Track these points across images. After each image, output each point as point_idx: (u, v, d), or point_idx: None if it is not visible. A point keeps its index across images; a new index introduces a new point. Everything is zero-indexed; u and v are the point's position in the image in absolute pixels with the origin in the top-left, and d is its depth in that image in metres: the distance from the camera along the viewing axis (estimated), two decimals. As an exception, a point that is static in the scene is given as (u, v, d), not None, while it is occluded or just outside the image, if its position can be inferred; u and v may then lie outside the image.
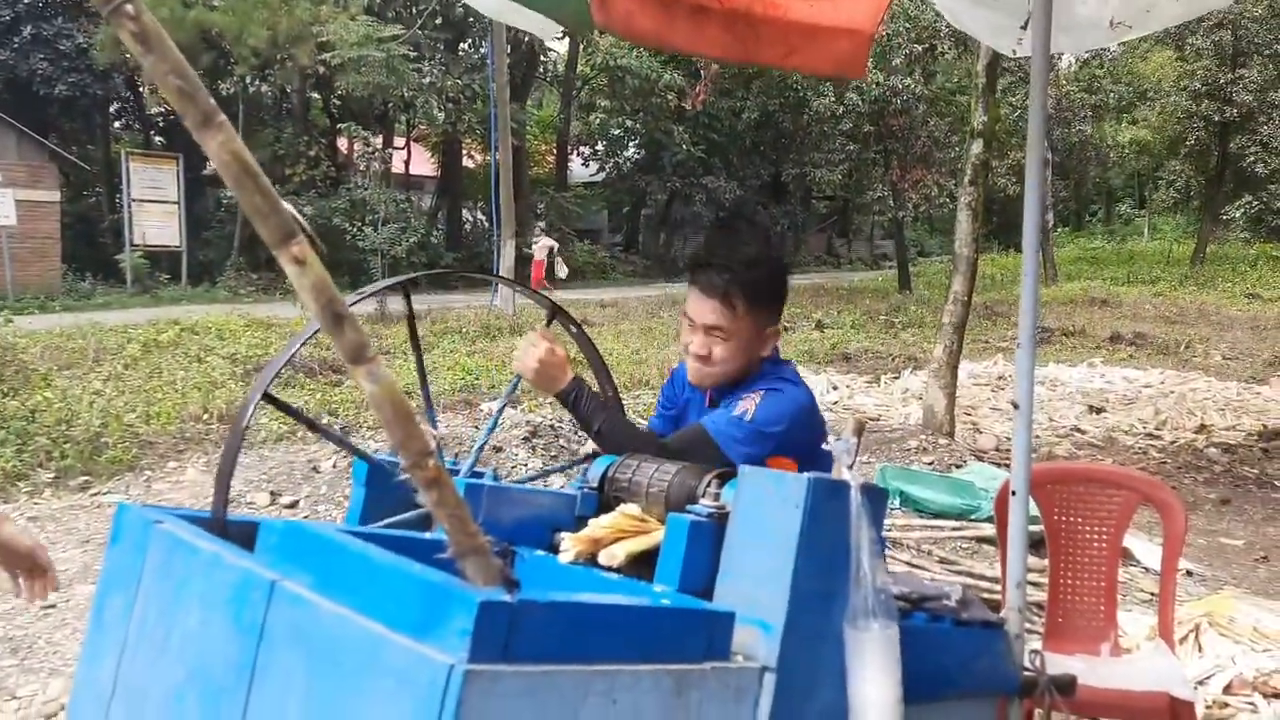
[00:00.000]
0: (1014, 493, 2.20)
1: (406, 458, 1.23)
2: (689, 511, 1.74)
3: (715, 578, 1.66)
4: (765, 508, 1.62)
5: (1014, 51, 3.13)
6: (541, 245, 24.81)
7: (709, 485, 1.83)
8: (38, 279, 20.51)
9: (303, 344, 1.78)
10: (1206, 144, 30.59)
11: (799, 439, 2.25)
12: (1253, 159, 29.31)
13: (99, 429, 7.66)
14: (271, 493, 6.34)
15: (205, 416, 8.48)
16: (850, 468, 1.69)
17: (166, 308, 18.07)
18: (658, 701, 1.37)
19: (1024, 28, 2.97)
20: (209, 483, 6.68)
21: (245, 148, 1.17)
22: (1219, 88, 28.10)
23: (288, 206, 1.18)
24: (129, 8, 0.95)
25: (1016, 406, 2.16)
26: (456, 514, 1.26)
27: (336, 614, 1.33)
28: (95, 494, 6.62)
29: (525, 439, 7.34)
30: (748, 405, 2.22)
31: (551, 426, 7.73)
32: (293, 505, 6.21)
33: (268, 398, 1.70)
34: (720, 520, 1.69)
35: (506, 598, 1.22)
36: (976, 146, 8.32)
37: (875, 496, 1.69)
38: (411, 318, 2.16)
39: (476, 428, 7.58)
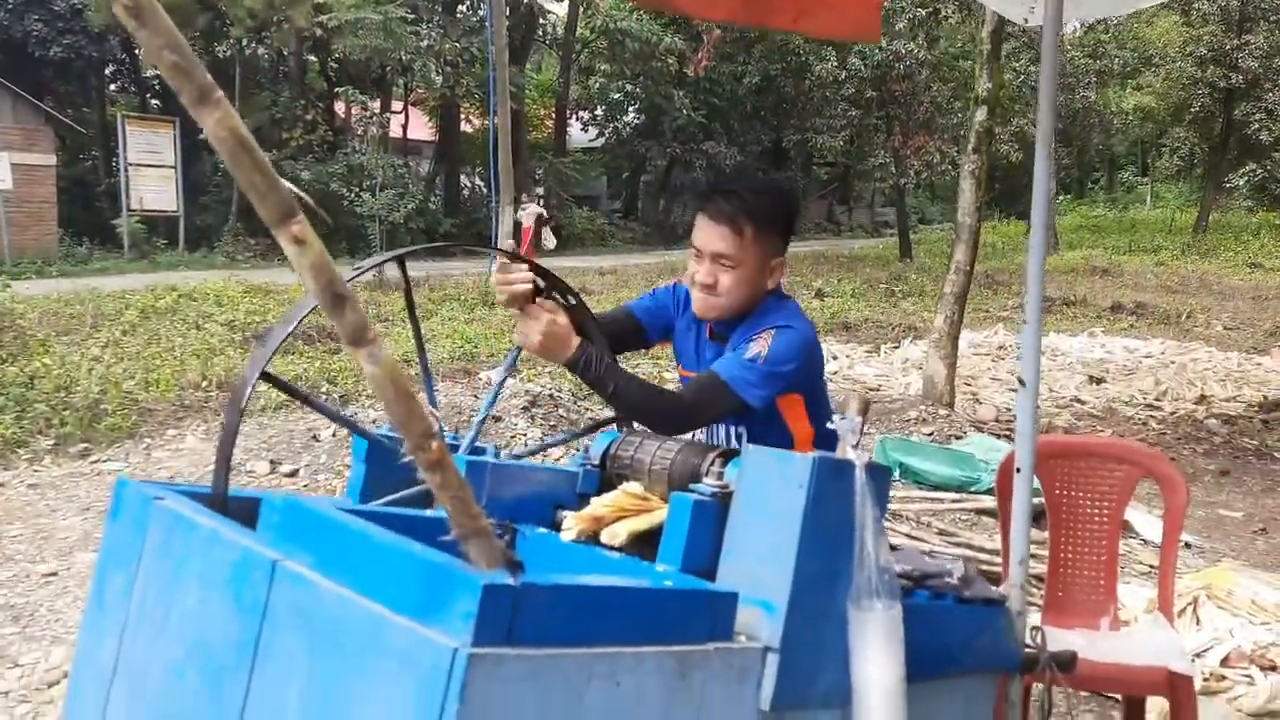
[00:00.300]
0: (1018, 470, 2.18)
1: (409, 440, 1.22)
2: (692, 490, 1.73)
3: (718, 557, 1.65)
4: (769, 487, 1.61)
5: (1026, 20, 3.08)
6: (529, 212, 23.59)
7: (712, 464, 1.81)
8: (34, 244, 20.41)
9: (301, 321, 1.75)
10: (1211, 111, 30.37)
11: (804, 376, 2.30)
12: (1257, 126, 29.09)
13: (98, 396, 7.65)
14: (271, 461, 6.34)
15: (204, 384, 8.47)
16: (855, 446, 1.68)
17: (164, 273, 18.02)
18: (661, 683, 1.36)
19: (1037, -5, 2.93)
20: (209, 450, 6.68)
21: (242, 124, 1.15)
22: (1224, 54, 27.88)
23: (287, 184, 1.16)
24: (123, -18, 0.92)
25: (1023, 383, 2.14)
26: (459, 496, 1.24)
27: (339, 595, 1.32)
28: (95, 461, 6.63)
29: (525, 408, 7.34)
30: (759, 347, 2.22)
31: (551, 396, 7.73)
32: (292, 474, 6.21)
33: (265, 376, 1.69)
34: (724, 500, 1.68)
35: (510, 580, 1.21)
36: (981, 114, 8.27)
37: (879, 475, 1.68)
38: (409, 292, 2.13)
39: (476, 397, 7.57)
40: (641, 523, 1.77)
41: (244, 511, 1.67)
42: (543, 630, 1.24)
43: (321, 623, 1.33)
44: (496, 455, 1.98)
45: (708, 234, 2.30)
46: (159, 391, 8.13)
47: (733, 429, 2.38)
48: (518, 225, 22.09)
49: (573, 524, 1.78)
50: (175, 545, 1.59)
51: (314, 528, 1.44)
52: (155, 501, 1.65)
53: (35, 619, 4.30)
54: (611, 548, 1.76)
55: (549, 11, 32.07)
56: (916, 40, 22.89)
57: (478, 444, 2.03)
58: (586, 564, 1.72)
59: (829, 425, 1.71)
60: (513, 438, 6.84)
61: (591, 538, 1.78)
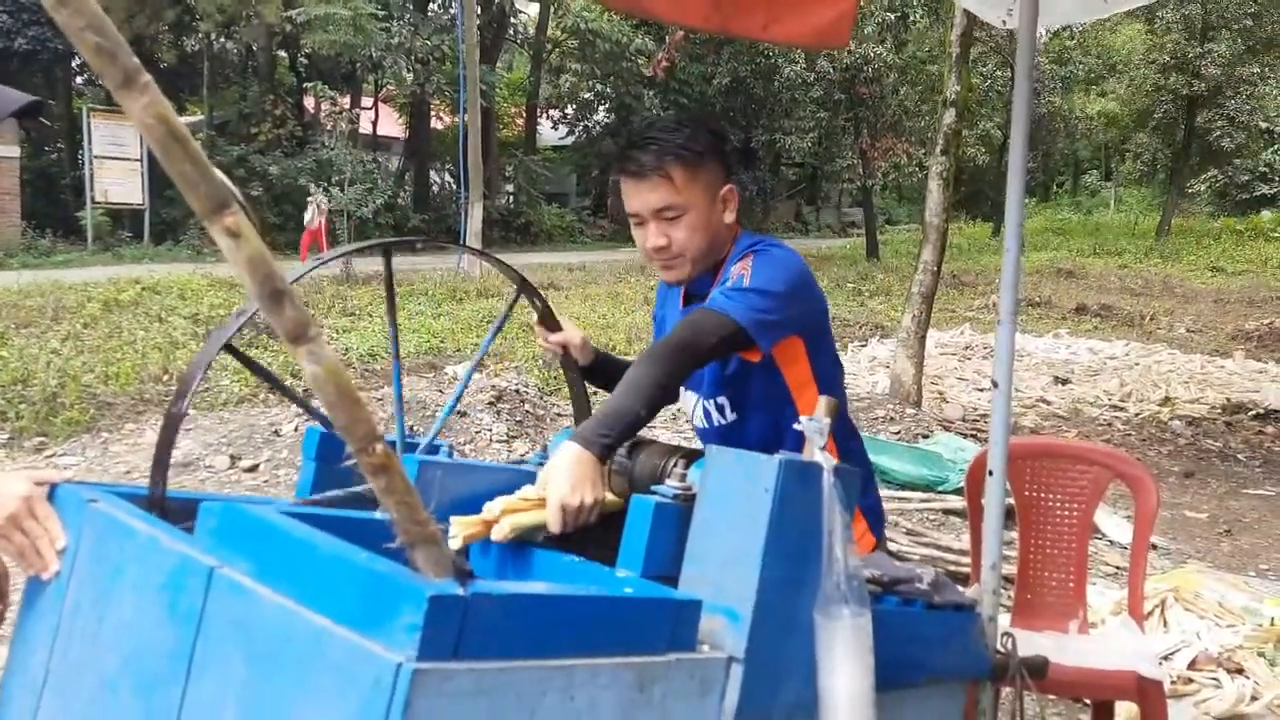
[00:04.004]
0: (991, 472, 2.14)
1: (352, 442, 1.15)
2: (654, 492, 1.66)
3: (681, 562, 1.59)
4: (733, 490, 1.55)
5: (1004, 23, 3.03)
6: (319, 208, 19.82)
7: (675, 465, 1.75)
8: (-5, 236, 20.08)
9: (241, 325, 1.67)
10: (1174, 117, 30.77)
11: (804, 309, 2.10)
12: (1219, 133, 29.51)
13: (56, 389, 7.51)
14: (231, 456, 6.23)
15: (165, 378, 8.33)
16: (822, 449, 1.62)
17: (128, 266, 17.74)
18: (618, 696, 1.30)
19: (1016, -1, 2.88)
20: (167, 447, 6.55)
21: (172, 110, 1.08)
22: (1187, 61, 28.21)
23: (220, 175, 1.09)
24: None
25: (996, 385, 2.10)
26: (406, 501, 1.17)
27: (278, 605, 1.25)
28: (50, 456, 6.48)
29: (490, 403, 7.26)
30: (741, 270, 2.01)
31: (517, 391, 7.65)
32: (253, 469, 6.10)
33: (230, 349, 1.61)
34: (686, 502, 1.62)
35: (459, 590, 1.14)
36: (949, 116, 8.27)
37: (848, 478, 1.62)
38: (390, 285, 2.00)
39: (441, 392, 7.48)
40: (527, 518, 1.67)
41: (183, 514, 1.59)
42: (493, 642, 1.17)
43: (260, 634, 1.26)
44: (450, 454, 1.90)
45: (638, 194, 2.08)
46: (118, 385, 7.99)
47: (714, 400, 2.18)
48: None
49: (458, 531, 1.66)
50: (110, 551, 1.51)
51: (253, 533, 1.37)
52: (90, 505, 1.57)
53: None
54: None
55: (520, 11, 31.95)
56: (885, 44, 22.97)
57: (434, 441, 1.96)
58: (544, 569, 1.65)
59: (795, 426, 1.65)
60: (478, 432, 6.76)
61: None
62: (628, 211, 2.14)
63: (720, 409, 2.19)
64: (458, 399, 2.10)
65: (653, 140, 2.06)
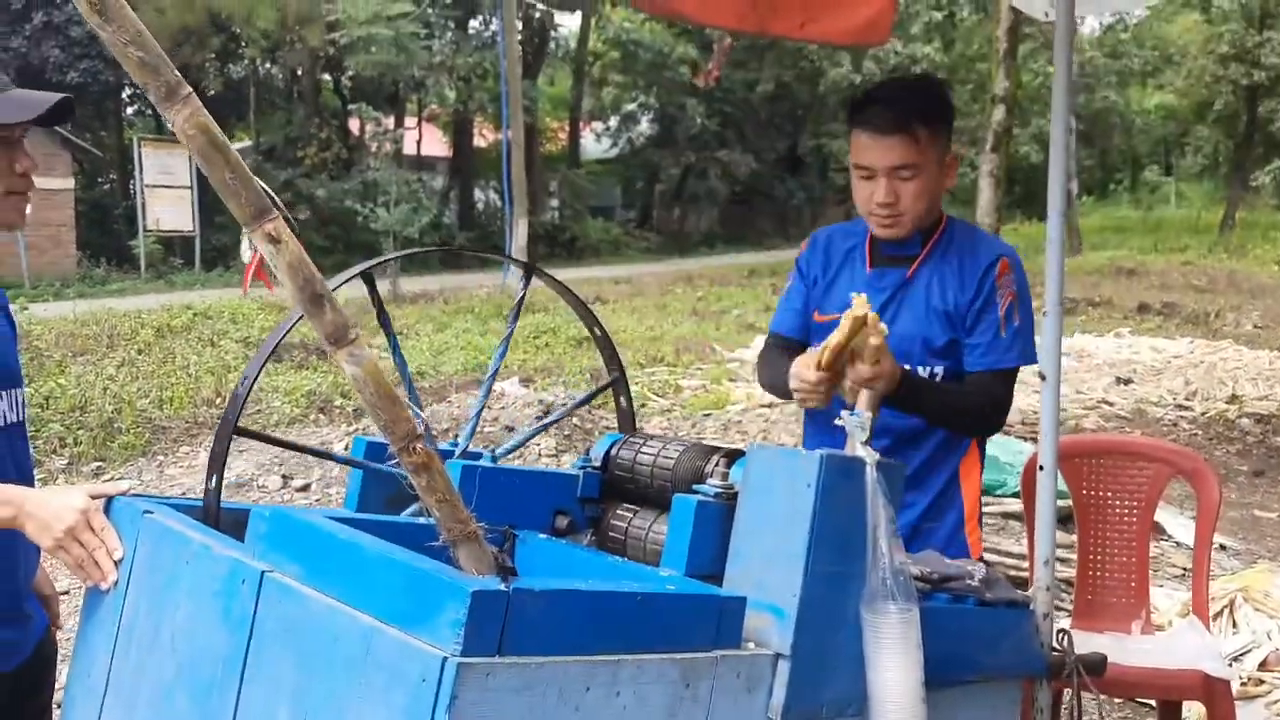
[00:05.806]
0: (1042, 467, 2.11)
1: (394, 442, 1.17)
2: (695, 491, 1.66)
3: (724, 561, 1.58)
4: (776, 487, 1.54)
5: (1046, 14, 2.99)
6: None
7: (716, 464, 1.75)
8: (52, 266, 20.52)
9: (283, 336, 1.70)
10: (1234, 108, 30.10)
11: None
12: (1283, 123, 28.85)
13: (112, 414, 7.66)
14: (283, 476, 6.30)
15: (218, 401, 8.45)
16: (864, 443, 1.61)
17: (180, 293, 18.04)
18: (664, 692, 1.30)
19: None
20: (224, 467, 6.64)
21: (213, 121, 1.11)
22: (1246, 50, 27.62)
23: (260, 183, 1.12)
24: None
25: (1044, 378, 2.07)
26: (447, 499, 1.19)
27: (327, 605, 1.27)
28: (108, 479, 6.60)
29: (539, 418, 7.28)
30: (1007, 300, 2.19)
31: (564, 405, 7.67)
32: (305, 488, 6.18)
33: (239, 430, 1.66)
34: (729, 500, 1.61)
35: (501, 586, 1.15)
36: (998, 113, 8.21)
37: (891, 473, 1.61)
38: (378, 302, 2.01)
39: (490, 408, 7.53)
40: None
41: (235, 525, 1.62)
42: (536, 638, 1.18)
43: (310, 634, 1.28)
44: (493, 459, 1.91)
45: (879, 149, 2.12)
46: (173, 409, 8.13)
47: (929, 368, 2.29)
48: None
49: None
50: (165, 559, 1.55)
51: (302, 538, 1.39)
52: (145, 516, 1.61)
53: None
54: None
55: (560, 25, 32.20)
56: (932, 43, 22.84)
57: (472, 449, 1.97)
58: (588, 568, 1.65)
59: (836, 421, 1.64)
60: (526, 448, 6.79)
61: None
62: (857, 164, 2.18)
63: (933, 375, 2.28)
64: (483, 402, 2.08)
65: (899, 98, 2.13)
